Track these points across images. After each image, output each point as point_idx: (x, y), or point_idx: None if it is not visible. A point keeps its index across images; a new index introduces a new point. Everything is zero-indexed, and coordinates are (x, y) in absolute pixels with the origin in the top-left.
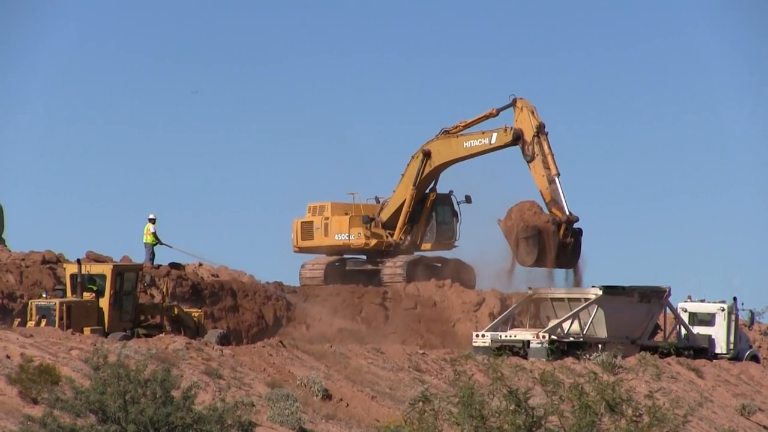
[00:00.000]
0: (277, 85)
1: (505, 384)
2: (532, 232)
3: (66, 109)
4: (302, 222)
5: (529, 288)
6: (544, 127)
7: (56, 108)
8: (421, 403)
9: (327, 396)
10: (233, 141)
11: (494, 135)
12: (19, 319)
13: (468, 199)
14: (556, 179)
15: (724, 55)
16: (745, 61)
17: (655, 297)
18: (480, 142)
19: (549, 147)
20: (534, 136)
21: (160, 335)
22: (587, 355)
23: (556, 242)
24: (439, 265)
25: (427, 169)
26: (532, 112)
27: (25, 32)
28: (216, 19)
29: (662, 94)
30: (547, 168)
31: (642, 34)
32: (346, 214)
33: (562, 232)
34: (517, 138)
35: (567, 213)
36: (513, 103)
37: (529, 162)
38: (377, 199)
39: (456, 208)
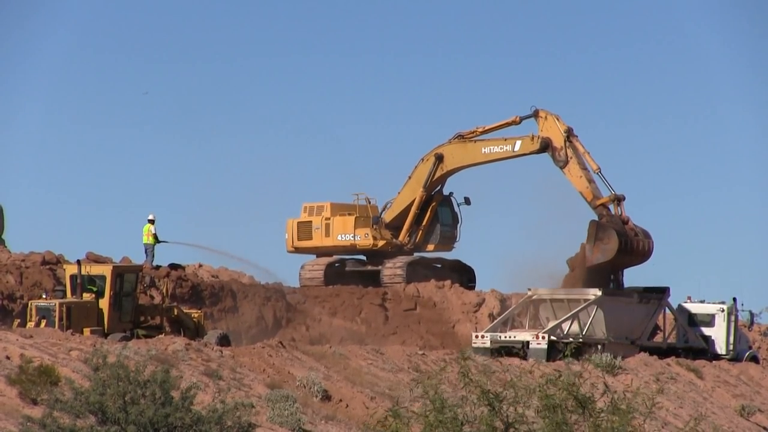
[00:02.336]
0: (275, 86)
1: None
2: (594, 227)
3: (65, 110)
4: (299, 222)
5: (529, 289)
6: (572, 130)
7: (56, 108)
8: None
9: (326, 397)
10: (232, 141)
11: (518, 143)
12: (18, 320)
13: (467, 201)
14: (598, 174)
15: (724, 55)
16: (745, 61)
17: (655, 298)
18: (501, 148)
19: (583, 146)
20: (565, 140)
21: (160, 336)
22: (586, 356)
23: (618, 222)
24: (439, 265)
25: (439, 173)
26: (557, 119)
27: (25, 33)
28: (217, 20)
29: (662, 95)
30: (585, 168)
31: (640, 34)
32: (350, 214)
33: (615, 210)
34: (546, 146)
35: (611, 193)
36: (535, 114)
37: (562, 167)
38: (368, 200)
39: (456, 209)
